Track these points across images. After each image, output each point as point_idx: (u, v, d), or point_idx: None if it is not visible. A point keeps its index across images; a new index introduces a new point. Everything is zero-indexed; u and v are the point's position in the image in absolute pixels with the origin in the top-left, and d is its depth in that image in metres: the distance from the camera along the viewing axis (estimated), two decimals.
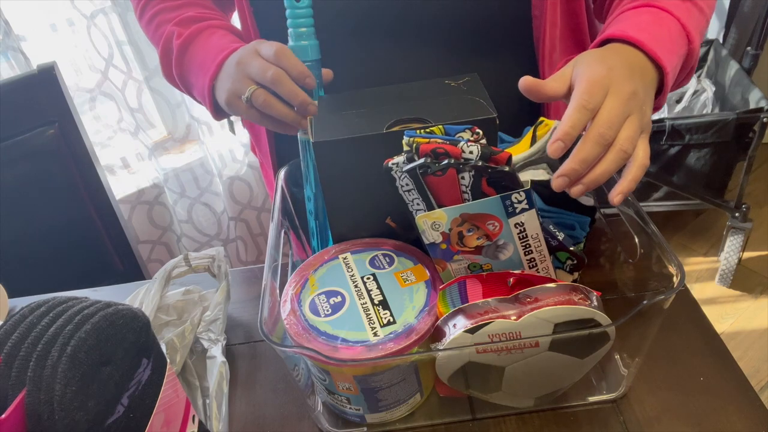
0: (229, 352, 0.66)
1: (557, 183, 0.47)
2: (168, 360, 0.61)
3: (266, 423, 0.59)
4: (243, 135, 1.57)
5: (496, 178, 0.48)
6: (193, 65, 0.70)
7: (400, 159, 0.51)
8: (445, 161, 0.49)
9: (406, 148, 0.51)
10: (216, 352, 0.63)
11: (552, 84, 0.50)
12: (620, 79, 0.49)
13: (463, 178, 0.49)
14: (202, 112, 1.48)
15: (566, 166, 0.47)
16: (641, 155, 0.48)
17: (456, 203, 0.50)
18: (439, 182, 0.50)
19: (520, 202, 0.48)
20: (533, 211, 0.49)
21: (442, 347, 0.48)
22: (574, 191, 0.48)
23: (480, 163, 0.48)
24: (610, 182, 0.59)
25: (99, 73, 1.36)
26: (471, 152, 0.49)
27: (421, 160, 0.49)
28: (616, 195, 0.48)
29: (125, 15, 1.34)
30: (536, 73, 0.72)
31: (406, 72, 0.70)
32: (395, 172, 0.51)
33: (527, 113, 0.74)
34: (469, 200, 0.50)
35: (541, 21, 0.68)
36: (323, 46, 0.64)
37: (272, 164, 0.83)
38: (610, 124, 0.47)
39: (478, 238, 0.51)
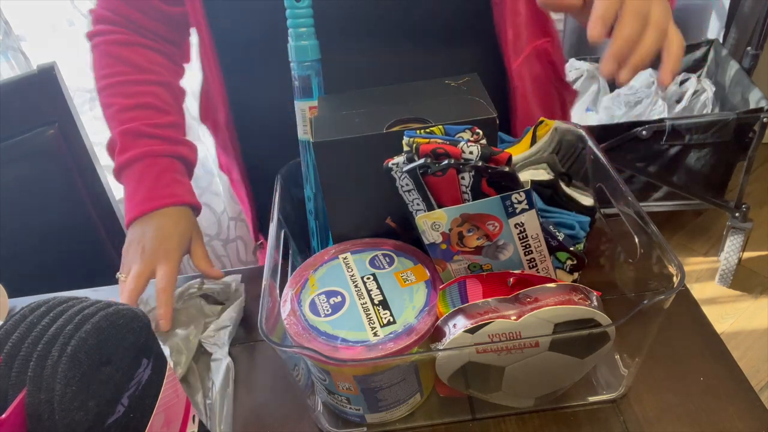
0: (229, 352, 0.66)
1: (606, 68, 0.48)
2: (172, 361, 0.61)
3: (266, 423, 0.59)
4: None
5: (496, 178, 0.48)
6: (126, 187, 0.75)
7: (400, 159, 0.51)
8: (445, 161, 0.49)
9: (406, 148, 0.51)
10: (221, 354, 0.63)
11: None
12: None
13: (463, 178, 0.49)
14: None
15: (612, 48, 0.47)
16: (675, 33, 0.49)
17: (456, 203, 0.50)
18: (439, 182, 0.50)
19: (520, 202, 0.48)
20: (533, 211, 0.49)
21: (442, 347, 0.48)
22: (622, 77, 0.48)
23: (480, 163, 0.48)
24: (610, 181, 0.59)
25: None
26: (471, 152, 0.49)
27: (421, 161, 0.49)
28: (666, 75, 0.49)
29: None
30: (501, 64, 0.73)
31: (372, 72, 0.70)
32: (395, 173, 0.51)
33: (496, 104, 0.75)
34: (469, 200, 0.50)
35: (501, 9, 0.68)
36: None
37: (243, 178, 0.83)
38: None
39: (478, 239, 0.51)
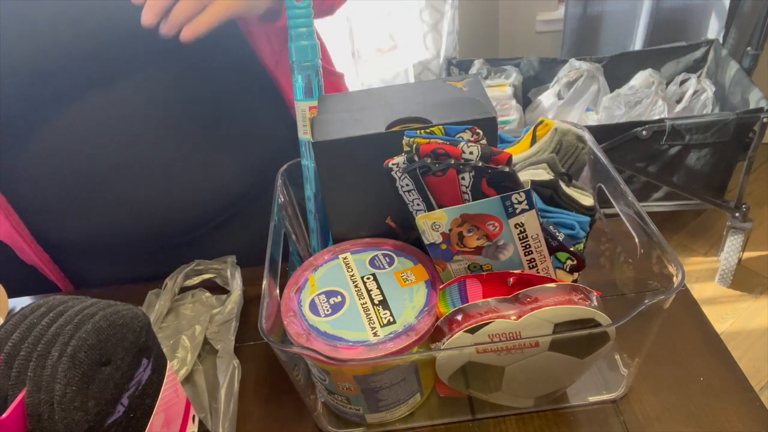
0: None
1: (144, 18, 0.52)
2: (175, 361, 0.61)
3: (266, 423, 0.59)
4: None
5: (496, 179, 0.48)
6: None
7: (400, 159, 0.51)
8: (445, 161, 0.49)
9: (406, 148, 0.51)
10: (227, 351, 0.63)
11: None
12: None
13: (463, 178, 0.49)
14: None
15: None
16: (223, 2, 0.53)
17: (456, 203, 0.50)
18: (439, 182, 0.50)
19: (520, 202, 0.48)
20: (533, 211, 0.49)
21: (442, 347, 0.48)
22: (183, 34, 0.53)
23: (480, 164, 0.48)
24: (610, 181, 0.59)
25: None
26: (471, 152, 0.49)
27: (422, 161, 0.49)
28: (186, 31, 0.53)
29: None
30: (258, 64, 0.75)
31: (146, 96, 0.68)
32: (395, 173, 0.51)
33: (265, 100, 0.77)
34: (469, 201, 0.50)
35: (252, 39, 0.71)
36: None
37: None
38: None
39: (478, 239, 0.51)
